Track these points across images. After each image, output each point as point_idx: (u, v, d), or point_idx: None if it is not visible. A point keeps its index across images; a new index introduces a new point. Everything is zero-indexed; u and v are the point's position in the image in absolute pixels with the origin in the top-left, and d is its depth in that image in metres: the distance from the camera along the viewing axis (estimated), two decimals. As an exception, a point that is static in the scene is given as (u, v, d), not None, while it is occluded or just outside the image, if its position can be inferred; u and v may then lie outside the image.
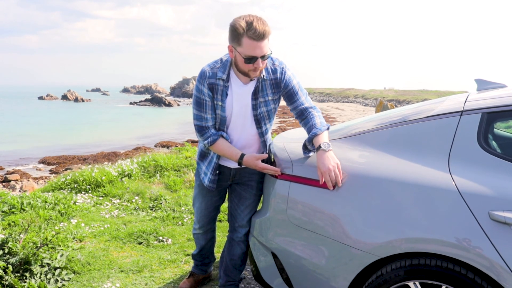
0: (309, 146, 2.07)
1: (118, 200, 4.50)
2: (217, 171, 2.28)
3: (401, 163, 1.81)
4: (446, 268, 1.61)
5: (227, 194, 2.53)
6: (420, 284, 1.68)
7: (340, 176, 1.87)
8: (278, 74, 2.16)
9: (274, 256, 2.17)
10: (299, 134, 2.53)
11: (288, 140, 2.40)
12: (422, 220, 1.66)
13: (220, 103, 2.13)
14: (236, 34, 1.94)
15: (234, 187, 2.40)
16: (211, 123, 2.17)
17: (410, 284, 1.70)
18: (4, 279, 2.46)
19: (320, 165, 1.91)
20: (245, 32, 1.91)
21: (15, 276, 2.53)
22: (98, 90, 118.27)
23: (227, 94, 2.13)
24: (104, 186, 4.78)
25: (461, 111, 1.79)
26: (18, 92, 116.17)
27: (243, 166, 2.23)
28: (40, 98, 65.33)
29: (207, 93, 2.12)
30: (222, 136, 2.18)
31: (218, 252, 3.29)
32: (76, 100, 60.71)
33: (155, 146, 16.63)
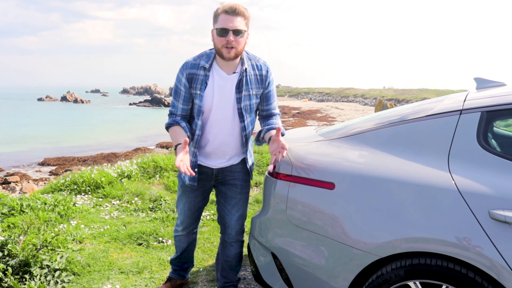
0: (263, 133, 2.24)
1: (117, 201, 4.49)
2: (195, 169, 2.28)
3: (401, 163, 1.81)
4: (447, 268, 1.61)
5: (210, 196, 2.54)
6: (421, 283, 1.68)
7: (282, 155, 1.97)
8: (264, 72, 2.24)
9: (274, 256, 2.17)
10: (299, 134, 2.52)
11: (287, 140, 2.40)
12: (422, 220, 1.66)
13: (198, 92, 2.17)
14: (214, 14, 2.11)
15: (220, 188, 2.42)
16: (180, 112, 2.24)
17: (411, 283, 1.69)
18: (3, 281, 2.46)
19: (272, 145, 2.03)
20: (221, 9, 2.08)
21: (14, 278, 2.53)
22: (97, 91, 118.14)
23: (206, 84, 2.16)
24: (103, 187, 4.77)
25: (461, 110, 1.79)
26: (17, 93, 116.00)
27: (225, 166, 2.32)
28: (40, 99, 65.22)
29: (184, 83, 2.19)
30: (179, 124, 2.22)
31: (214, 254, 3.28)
32: (75, 101, 60.64)
33: (155, 146, 16.63)
